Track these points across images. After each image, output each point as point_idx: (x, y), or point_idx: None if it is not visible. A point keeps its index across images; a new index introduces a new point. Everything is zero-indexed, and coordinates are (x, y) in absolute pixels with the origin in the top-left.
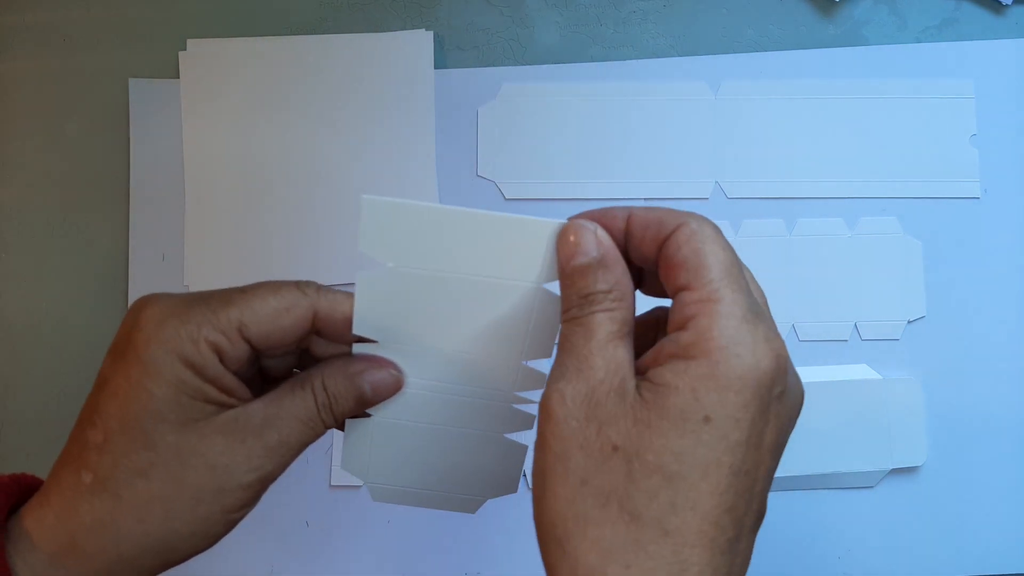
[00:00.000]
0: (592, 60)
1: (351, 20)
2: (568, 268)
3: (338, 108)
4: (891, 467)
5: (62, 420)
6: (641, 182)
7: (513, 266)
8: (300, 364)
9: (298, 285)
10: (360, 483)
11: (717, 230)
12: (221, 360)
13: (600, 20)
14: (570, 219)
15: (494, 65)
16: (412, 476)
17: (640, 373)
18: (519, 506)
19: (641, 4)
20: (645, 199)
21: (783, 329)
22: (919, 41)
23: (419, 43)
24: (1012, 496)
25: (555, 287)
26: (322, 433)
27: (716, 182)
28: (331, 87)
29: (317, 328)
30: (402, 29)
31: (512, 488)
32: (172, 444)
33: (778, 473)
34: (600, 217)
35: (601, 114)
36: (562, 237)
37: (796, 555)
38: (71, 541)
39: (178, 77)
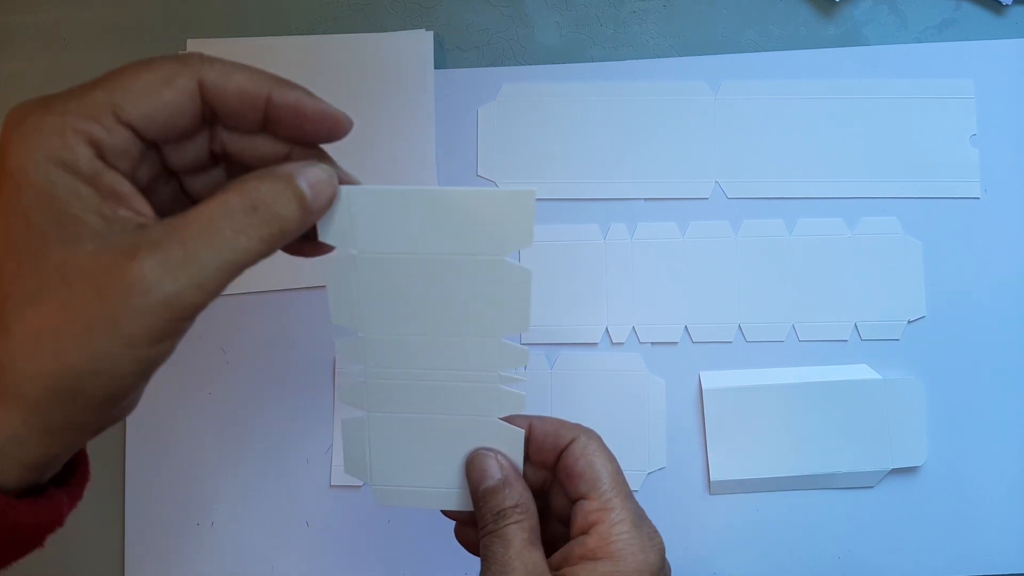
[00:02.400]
0: (592, 60)
1: (351, 20)
2: (479, 491)
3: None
4: (891, 467)
5: None
6: (641, 182)
7: (474, 240)
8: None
9: (177, 56)
10: (360, 482)
11: (602, 442)
12: (102, 156)
13: (600, 20)
14: (474, 450)
15: (494, 65)
16: (414, 473)
17: (553, 569)
18: None
19: (641, 4)
20: (645, 199)
21: (783, 329)
22: (919, 41)
23: (419, 43)
24: (1012, 496)
25: (519, 257)
26: (254, 252)
27: (716, 182)
28: (331, 87)
29: (211, 105)
30: (402, 29)
31: None
32: (58, 264)
33: (778, 473)
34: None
35: (601, 114)
36: (469, 465)
37: (796, 555)
38: None
39: None
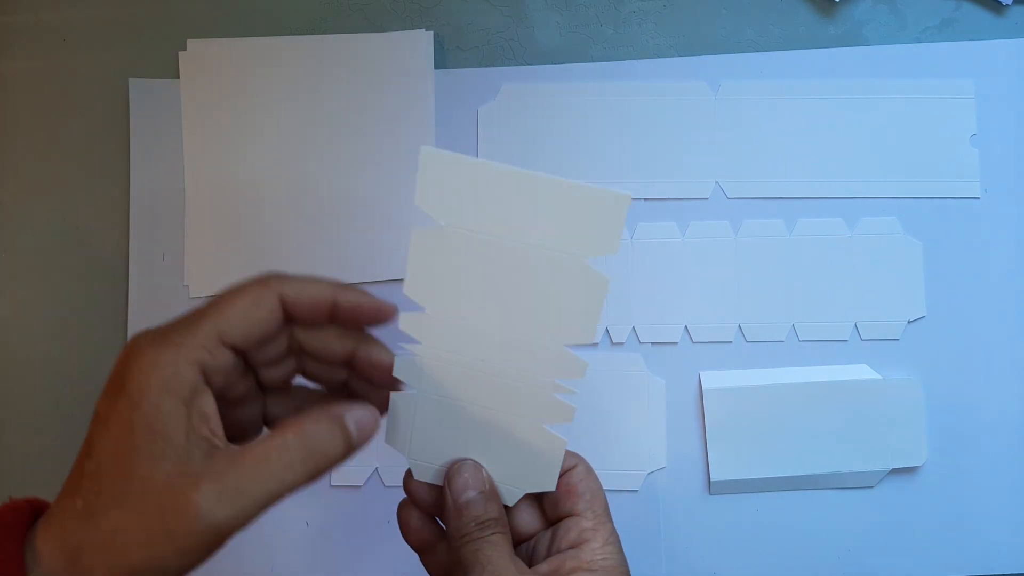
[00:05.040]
0: (592, 60)
1: (351, 20)
2: (460, 500)
3: (338, 108)
4: (891, 467)
5: (61, 420)
6: (641, 182)
7: (559, 235)
8: (299, 368)
9: (260, 279)
10: (360, 482)
11: (594, 471)
12: (207, 379)
13: (600, 20)
14: (458, 460)
15: (494, 65)
16: (450, 456)
17: None
18: None
19: (641, 4)
20: (645, 199)
21: (783, 329)
22: (919, 41)
23: (419, 43)
24: (1012, 496)
25: (601, 263)
26: (298, 485)
27: (716, 182)
28: (331, 87)
29: (289, 314)
30: (402, 29)
31: (549, 484)
32: (142, 477)
33: (778, 473)
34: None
35: (601, 114)
36: (453, 473)
37: (796, 555)
38: (66, 562)
39: (178, 77)
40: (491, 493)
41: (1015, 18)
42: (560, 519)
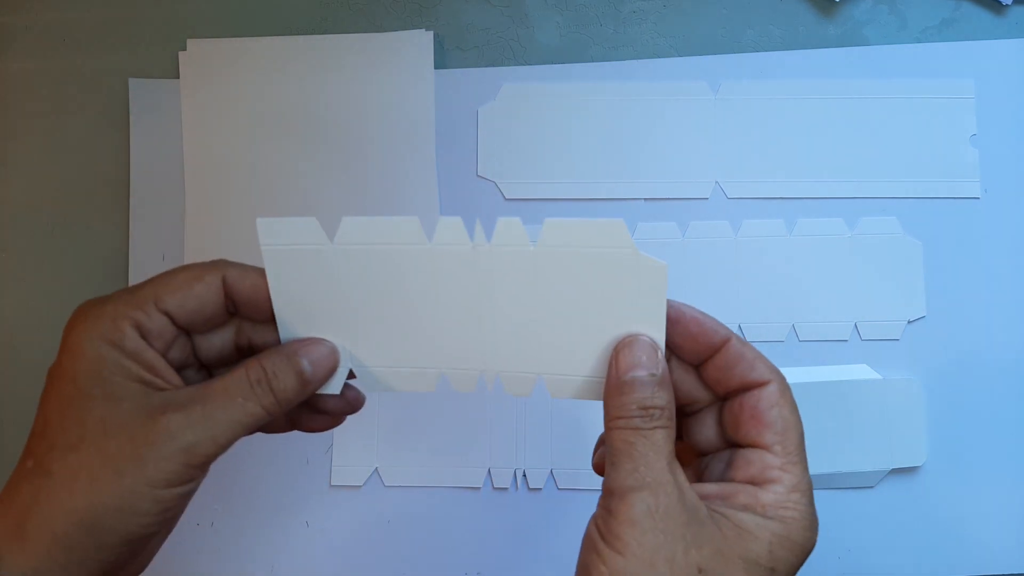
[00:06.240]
0: (592, 60)
1: (351, 20)
2: (627, 376)
3: (338, 108)
4: (891, 467)
5: None
6: (641, 182)
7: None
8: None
9: (210, 261)
10: (360, 482)
11: (791, 393)
12: (144, 336)
13: (600, 20)
14: (627, 336)
15: (494, 65)
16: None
17: (702, 499)
18: (520, 507)
19: (641, 4)
20: (645, 199)
21: (783, 329)
22: (919, 41)
23: (419, 43)
24: (1012, 496)
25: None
26: (258, 416)
27: (716, 182)
28: (331, 87)
29: (231, 297)
30: (402, 29)
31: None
32: (99, 418)
33: None
34: (703, 322)
35: (601, 114)
36: (626, 347)
37: None
38: (16, 526)
39: (178, 77)
40: (664, 379)
41: (1015, 18)
42: (740, 445)
